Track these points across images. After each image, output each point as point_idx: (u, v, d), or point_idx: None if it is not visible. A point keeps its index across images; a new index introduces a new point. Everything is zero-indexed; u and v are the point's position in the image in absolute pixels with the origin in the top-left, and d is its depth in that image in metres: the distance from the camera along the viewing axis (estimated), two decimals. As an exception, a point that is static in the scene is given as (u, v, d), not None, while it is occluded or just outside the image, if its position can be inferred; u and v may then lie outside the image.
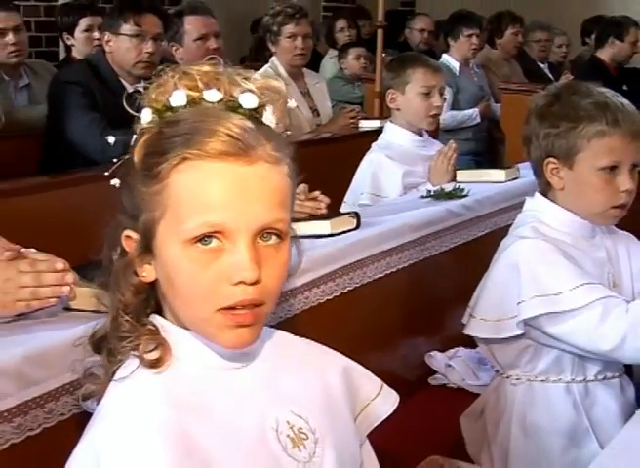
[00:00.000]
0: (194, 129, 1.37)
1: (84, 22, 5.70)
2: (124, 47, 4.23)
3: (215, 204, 1.35)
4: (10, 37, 4.97)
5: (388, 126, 4.14)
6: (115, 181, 1.49)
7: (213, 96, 1.41)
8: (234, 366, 1.46)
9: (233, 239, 1.35)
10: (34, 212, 3.36)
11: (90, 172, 3.86)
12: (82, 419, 1.72)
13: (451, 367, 3.10)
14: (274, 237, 1.39)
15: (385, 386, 1.69)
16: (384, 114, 5.97)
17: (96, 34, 5.71)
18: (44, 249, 2.15)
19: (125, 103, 1.57)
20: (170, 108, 1.43)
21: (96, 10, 5.95)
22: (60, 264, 1.93)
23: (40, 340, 1.84)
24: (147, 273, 1.44)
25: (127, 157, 1.47)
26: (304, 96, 5.39)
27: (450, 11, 8.78)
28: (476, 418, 2.64)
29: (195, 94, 1.42)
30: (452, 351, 3.15)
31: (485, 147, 7.03)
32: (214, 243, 1.35)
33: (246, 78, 1.44)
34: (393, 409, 1.69)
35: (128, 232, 1.44)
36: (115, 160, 1.50)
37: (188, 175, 1.36)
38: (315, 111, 5.46)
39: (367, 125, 5.44)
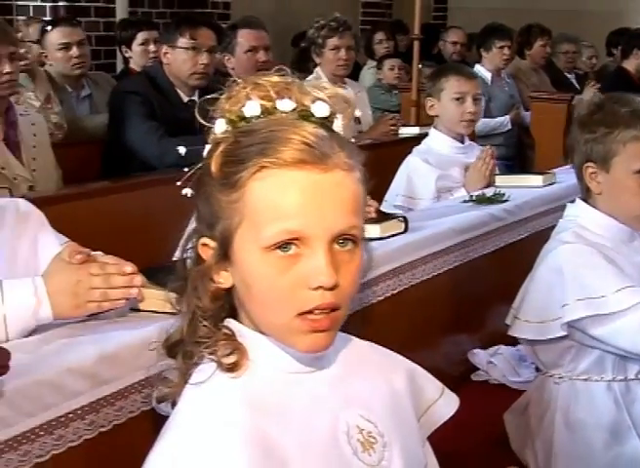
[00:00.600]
0: (270, 137, 1.31)
1: (141, 36, 5.74)
2: (180, 59, 4.20)
3: (293, 211, 1.29)
4: (74, 50, 4.96)
5: (432, 131, 4.10)
6: (187, 191, 1.44)
7: (286, 105, 1.36)
8: (308, 369, 1.40)
9: (311, 245, 1.30)
10: (97, 214, 3.33)
11: (149, 176, 3.85)
12: (150, 416, 1.70)
13: (492, 363, 3.05)
14: (350, 243, 1.34)
15: (446, 389, 1.63)
16: (421, 121, 5.99)
17: (151, 47, 5.73)
18: (106, 249, 2.13)
19: (196, 113, 1.51)
20: (244, 118, 1.37)
21: (151, 25, 6.01)
22: (129, 267, 1.89)
23: (111, 341, 1.81)
24: (224, 280, 1.39)
25: (201, 166, 1.41)
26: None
27: (479, 24, 8.75)
28: (520, 415, 2.58)
29: (268, 103, 1.37)
30: (493, 349, 3.11)
31: (515, 152, 6.96)
32: (292, 249, 1.30)
33: (316, 87, 1.39)
34: (454, 410, 1.63)
35: (205, 240, 1.39)
36: (186, 169, 1.43)
37: (266, 182, 1.30)
38: (357, 119, 5.38)
39: (407, 132, 5.38)
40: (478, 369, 3.08)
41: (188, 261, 1.45)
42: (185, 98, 4.29)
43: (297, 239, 1.29)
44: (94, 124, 4.87)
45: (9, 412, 1.57)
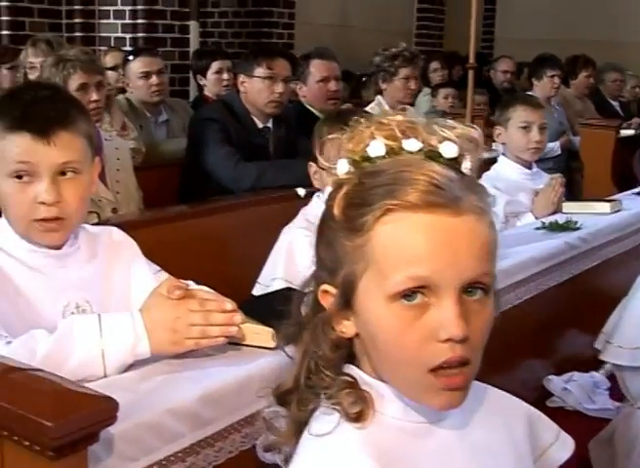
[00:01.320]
0: (397, 179, 1.13)
1: (215, 65, 5.65)
2: (257, 88, 4.04)
3: (422, 257, 1.10)
4: (154, 79, 4.84)
5: (500, 158, 3.90)
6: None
7: (412, 145, 1.17)
8: (435, 419, 1.21)
9: (439, 294, 1.11)
10: (176, 238, 3.15)
11: (225, 201, 3.67)
12: (249, 456, 1.52)
13: (567, 390, 2.85)
14: (479, 291, 1.14)
15: (562, 432, 1.43)
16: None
17: (225, 76, 5.62)
18: (183, 273, 1.97)
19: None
20: (368, 159, 1.19)
21: (225, 54, 5.89)
22: (229, 305, 1.71)
23: (212, 380, 1.63)
24: (346, 329, 1.20)
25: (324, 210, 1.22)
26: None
27: (525, 53, 8.58)
28: (605, 445, 2.37)
29: (394, 143, 1.18)
30: (568, 375, 2.91)
31: (564, 176, 6.72)
32: (418, 298, 1.11)
33: (443, 127, 1.19)
34: (569, 454, 1.43)
35: (325, 287, 1.20)
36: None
37: (393, 226, 1.12)
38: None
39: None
40: (553, 395, 2.88)
41: (303, 307, 1.27)
42: (260, 125, 4.13)
43: (424, 287, 1.11)
44: (171, 148, 4.75)
45: (110, 458, 1.40)
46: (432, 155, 1.17)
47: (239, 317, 1.70)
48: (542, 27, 10.59)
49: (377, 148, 1.18)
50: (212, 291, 1.85)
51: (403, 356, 1.13)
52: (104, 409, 1.20)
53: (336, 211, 1.17)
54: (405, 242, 1.11)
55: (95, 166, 1.91)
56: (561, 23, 10.53)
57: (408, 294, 1.11)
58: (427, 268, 1.10)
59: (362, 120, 1.22)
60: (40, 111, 1.79)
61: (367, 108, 5.10)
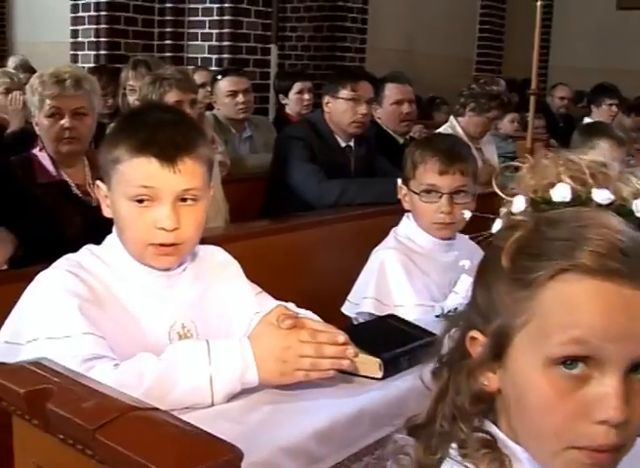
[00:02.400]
0: (578, 235, 0.91)
1: (297, 86, 5.48)
2: (341, 108, 3.85)
3: (592, 323, 0.88)
4: (240, 97, 4.68)
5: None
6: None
7: (603, 196, 0.96)
8: None
9: (604, 368, 0.89)
10: (259, 253, 2.96)
11: (309, 217, 3.48)
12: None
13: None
14: None
15: None
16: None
17: (306, 96, 5.45)
18: (267, 287, 1.87)
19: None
20: (549, 202, 0.98)
21: (306, 76, 5.72)
22: (342, 337, 1.51)
23: (324, 414, 1.43)
24: (489, 382, 0.99)
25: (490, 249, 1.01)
26: (478, 151, 4.91)
27: (578, 81, 8.35)
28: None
29: (582, 190, 0.97)
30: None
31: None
32: (579, 368, 0.89)
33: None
34: None
35: (475, 333, 1.00)
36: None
37: (567, 287, 0.90)
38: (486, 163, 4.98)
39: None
40: None
41: (446, 344, 1.07)
42: (343, 144, 3.94)
43: (588, 357, 0.89)
44: (254, 163, 4.59)
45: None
46: (623, 211, 0.95)
47: (352, 350, 1.50)
48: (594, 56, 10.31)
49: (562, 193, 0.97)
50: (320, 320, 1.67)
51: (548, 427, 0.92)
52: (230, 460, 1.01)
53: (504, 257, 0.95)
54: (577, 305, 0.90)
55: (210, 189, 1.73)
56: (611, 53, 10.23)
57: (569, 362, 0.90)
58: (597, 336, 0.88)
59: (548, 153, 1.01)
60: (166, 136, 1.60)
61: (440, 129, 4.91)
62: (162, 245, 1.63)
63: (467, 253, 2.67)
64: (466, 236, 2.66)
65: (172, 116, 1.70)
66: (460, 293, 2.43)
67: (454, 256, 2.58)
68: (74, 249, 2.50)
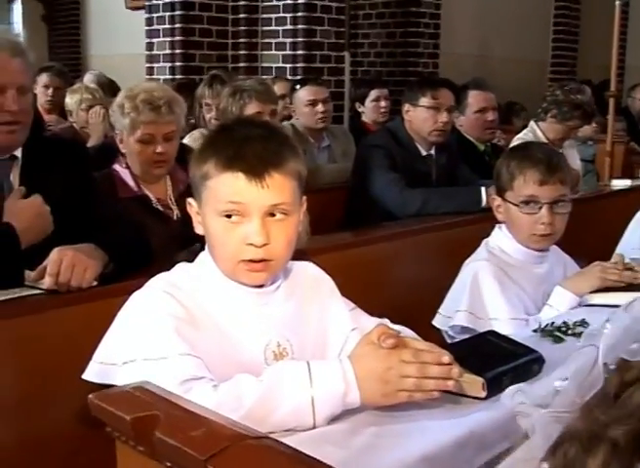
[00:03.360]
0: None
1: (373, 94, 5.47)
2: (422, 117, 3.80)
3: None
4: (319, 107, 4.65)
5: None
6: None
7: None
8: None
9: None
10: (342, 267, 2.91)
11: (391, 229, 3.41)
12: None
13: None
14: None
15: None
16: (613, 170, 5.45)
17: (382, 103, 5.41)
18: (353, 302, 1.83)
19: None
20: None
21: (382, 83, 5.68)
22: (447, 357, 1.45)
23: (430, 438, 1.38)
24: None
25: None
26: (560, 156, 4.80)
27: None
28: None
29: None
30: None
31: None
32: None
33: None
34: None
35: None
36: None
37: None
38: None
39: (618, 184, 4.78)
40: None
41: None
42: (424, 153, 3.88)
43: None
44: (332, 173, 4.55)
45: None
46: None
47: (457, 370, 1.45)
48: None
49: None
50: (418, 337, 1.62)
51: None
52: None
53: None
54: None
55: (302, 204, 1.69)
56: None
57: None
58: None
59: None
60: (253, 151, 1.57)
61: (520, 134, 4.81)
62: (252, 261, 1.60)
63: (559, 265, 2.61)
64: (557, 247, 2.59)
65: (261, 131, 1.66)
66: (555, 306, 2.37)
67: (546, 268, 2.52)
68: (157, 262, 2.53)
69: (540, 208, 2.39)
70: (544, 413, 1.27)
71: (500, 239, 2.53)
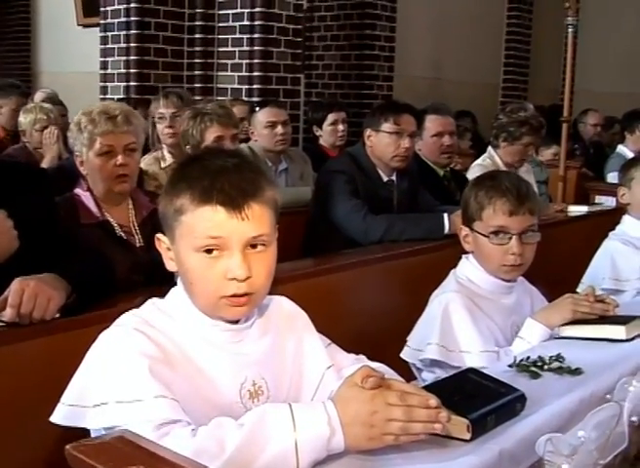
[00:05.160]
0: None
1: (331, 117, 5.43)
2: (384, 142, 3.77)
3: None
4: (279, 129, 4.62)
5: (625, 218, 3.54)
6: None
7: None
8: None
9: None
10: (302, 295, 2.86)
11: (353, 256, 3.36)
12: None
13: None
14: None
15: None
16: (566, 196, 5.50)
17: (340, 127, 5.39)
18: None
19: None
20: None
21: (340, 106, 5.65)
22: (434, 401, 1.41)
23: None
24: None
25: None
26: (518, 181, 4.82)
27: (604, 106, 8.25)
28: None
29: None
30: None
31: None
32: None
33: None
34: None
35: None
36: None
37: None
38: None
39: (575, 210, 4.82)
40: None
41: None
42: (385, 178, 3.86)
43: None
44: (289, 197, 4.49)
45: None
46: None
47: (445, 414, 1.41)
48: (619, 80, 10.23)
49: None
50: (400, 378, 1.58)
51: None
52: None
53: None
54: None
55: (276, 232, 1.64)
56: (637, 77, 10.15)
57: None
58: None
59: None
60: (230, 183, 1.52)
61: (478, 160, 4.83)
62: (234, 295, 1.55)
63: (527, 295, 2.59)
64: (523, 278, 2.58)
65: (235, 161, 1.61)
66: (526, 339, 2.35)
67: (514, 298, 2.51)
68: (121, 291, 2.45)
69: (510, 238, 2.37)
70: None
71: (468, 269, 2.50)
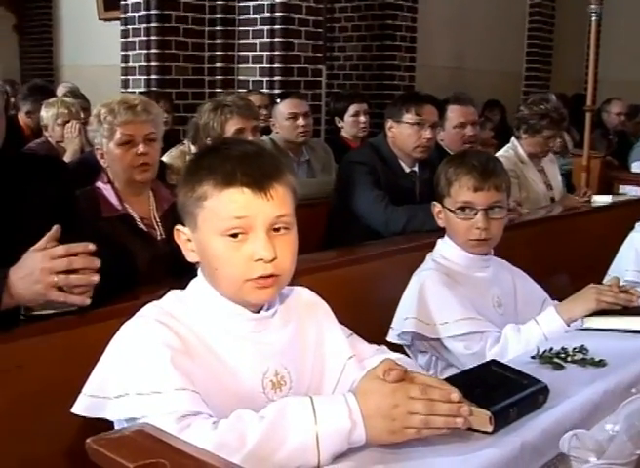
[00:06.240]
0: None
1: (353, 108, 5.41)
2: (405, 133, 3.76)
3: None
4: (300, 120, 4.62)
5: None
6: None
7: None
8: None
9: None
10: (325, 288, 2.84)
11: (376, 248, 3.34)
12: None
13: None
14: None
15: None
16: (590, 184, 5.44)
17: (362, 118, 5.37)
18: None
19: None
20: None
21: (362, 98, 5.63)
22: (456, 395, 1.40)
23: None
24: None
25: None
26: (540, 172, 4.79)
27: (627, 95, 8.18)
28: None
29: None
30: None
31: None
32: None
33: None
34: None
35: None
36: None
37: None
38: (549, 185, 4.84)
39: (600, 200, 4.78)
40: None
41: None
42: (407, 169, 3.85)
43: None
44: (311, 187, 4.49)
45: None
46: None
47: (467, 408, 1.40)
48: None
49: None
50: (425, 373, 1.57)
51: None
52: None
53: None
54: None
55: None
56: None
57: None
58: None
59: None
60: (254, 165, 1.55)
61: (501, 151, 4.79)
62: (261, 277, 1.55)
63: (505, 270, 2.62)
64: (502, 260, 2.62)
65: (253, 147, 1.65)
66: (541, 324, 2.35)
67: (491, 272, 2.57)
68: (142, 284, 2.45)
69: (476, 213, 2.45)
70: (600, 464, 1.23)
71: (442, 248, 2.59)
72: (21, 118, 5.93)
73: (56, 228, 1.91)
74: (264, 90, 6.17)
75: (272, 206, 1.54)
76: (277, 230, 1.56)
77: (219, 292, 1.61)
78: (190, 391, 1.46)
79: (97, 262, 1.91)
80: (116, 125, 2.81)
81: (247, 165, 1.54)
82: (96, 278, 1.92)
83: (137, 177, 2.84)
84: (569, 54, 10.44)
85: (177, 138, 5.15)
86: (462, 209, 2.48)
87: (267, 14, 6.31)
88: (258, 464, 1.33)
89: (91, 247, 1.90)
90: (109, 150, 2.85)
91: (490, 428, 1.50)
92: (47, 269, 1.87)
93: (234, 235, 1.54)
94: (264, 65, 6.40)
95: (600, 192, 5.42)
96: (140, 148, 2.82)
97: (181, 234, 1.65)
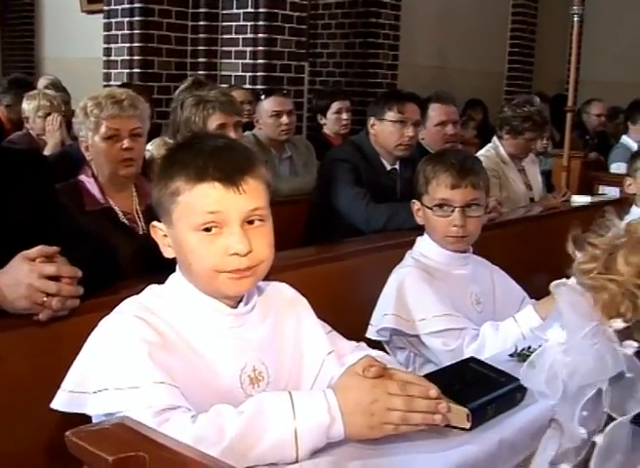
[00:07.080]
0: None
1: (335, 106, 5.42)
2: (388, 131, 3.77)
3: None
4: (284, 118, 4.62)
5: (633, 209, 3.55)
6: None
7: None
8: None
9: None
10: (305, 284, 2.85)
11: (355, 245, 3.35)
12: None
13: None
14: None
15: None
16: (569, 185, 5.49)
17: (344, 115, 5.38)
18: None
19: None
20: None
21: (344, 95, 5.63)
22: (434, 391, 1.41)
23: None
24: None
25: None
26: (520, 173, 4.81)
27: (609, 96, 8.21)
28: None
29: None
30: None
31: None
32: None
33: None
34: None
35: None
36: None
37: None
38: (529, 186, 4.87)
39: (579, 200, 4.81)
40: None
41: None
42: (388, 167, 3.86)
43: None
44: (293, 185, 4.51)
45: None
46: None
47: (445, 405, 1.41)
48: (625, 70, 10.18)
49: None
50: (405, 370, 1.58)
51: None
52: None
53: None
54: None
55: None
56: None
57: None
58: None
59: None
60: (225, 159, 1.55)
61: (482, 151, 4.80)
62: (237, 270, 1.56)
63: (485, 269, 2.64)
64: (482, 258, 2.63)
65: (224, 141, 1.66)
66: (519, 321, 2.36)
67: (470, 269, 2.59)
68: (124, 278, 2.44)
69: (453, 211, 2.48)
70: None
71: (421, 246, 2.61)
72: (1, 111, 5.90)
73: (54, 250, 1.93)
74: (247, 85, 6.17)
75: (245, 199, 1.54)
76: (251, 222, 1.56)
77: (196, 287, 1.62)
78: (169, 385, 1.46)
79: (81, 290, 1.96)
80: (102, 118, 2.81)
81: (218, 159, 1.54)
82: (76, 303, 1.98)
83: (121, 172, 2.85)
84: (551, 54, 10.48)
85: (157, 133, 5.13)
86: (440, 206, 2.50)
87: (251, 9, 6.31)
88: (236, 458, 1.33)
89: (79, 274, 1.92)
90: (94, 143, 2.85)
91: (467, 425, 1.52)
92: (36, 287, 1.88)
93: (208, 229, 1.54)
94: (247, 61, 6.40)
95: (580, 192, 5.46)
96: (126, 143, 2.82)
97: (158, 230, 1.65)
